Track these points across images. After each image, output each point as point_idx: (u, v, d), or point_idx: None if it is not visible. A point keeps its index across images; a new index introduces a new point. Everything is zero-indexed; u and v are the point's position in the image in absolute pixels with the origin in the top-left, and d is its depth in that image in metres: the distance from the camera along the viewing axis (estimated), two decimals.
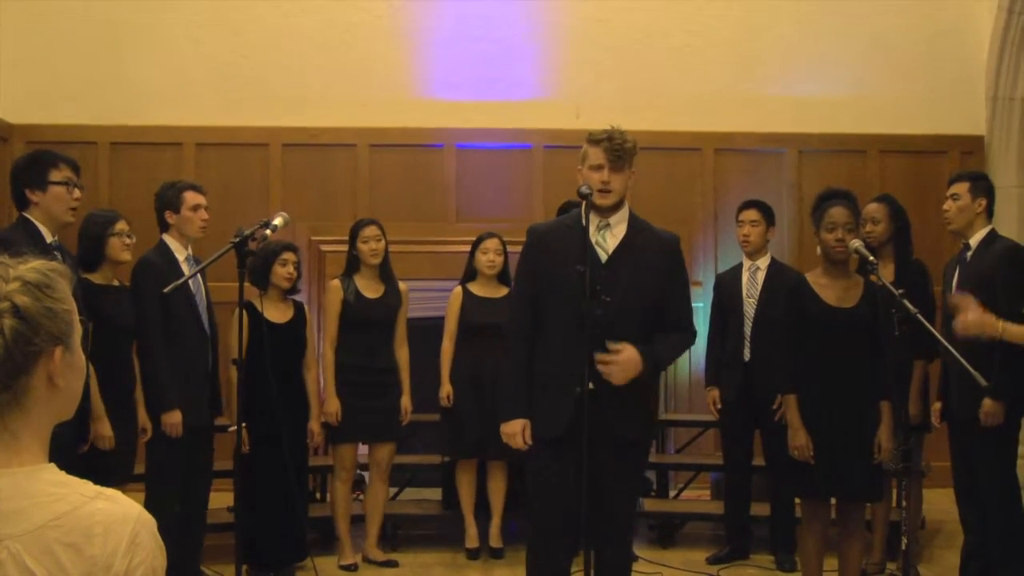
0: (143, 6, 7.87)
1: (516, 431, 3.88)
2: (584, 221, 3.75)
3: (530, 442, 3.88)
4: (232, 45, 7.92)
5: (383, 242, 5.72)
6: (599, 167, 3.82)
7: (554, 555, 3.94)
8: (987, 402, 4.53)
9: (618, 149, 3.80)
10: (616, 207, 3.88)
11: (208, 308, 5.12)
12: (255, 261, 5.18)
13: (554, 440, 3.81)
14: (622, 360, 3.72)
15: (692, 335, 4.05)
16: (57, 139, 7.13)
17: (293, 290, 5.60)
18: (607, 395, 3.74)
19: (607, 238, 3.86)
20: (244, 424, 4.39)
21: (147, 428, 4.92)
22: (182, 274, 4.82)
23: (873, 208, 5.38)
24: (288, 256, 5.49)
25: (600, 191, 3.79)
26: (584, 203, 3.82)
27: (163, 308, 4.81)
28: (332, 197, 7.97)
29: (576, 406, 3.68)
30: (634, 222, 3.95)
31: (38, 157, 4.40)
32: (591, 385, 3.66)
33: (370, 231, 5.71)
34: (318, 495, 6.75)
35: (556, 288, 3.85)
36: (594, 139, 3.86)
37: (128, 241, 4.83)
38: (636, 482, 4.27)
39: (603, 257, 3.83)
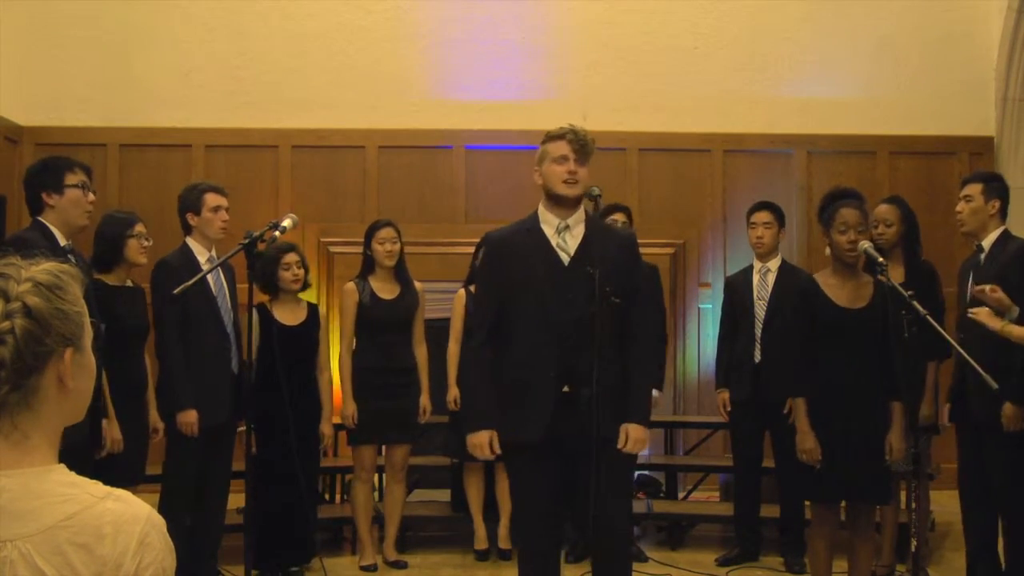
0: (152, 9, 7.89)
1: (483, 442, 3.84)
2: (599, 220, 3.75)
3: (499, 451, 3.87)
4: (241, 47, 7.95)
5: (398, 244, 5.72)
6: (564, 158, 3.82)
7: (543, 560, 3.93)
8: (1008, 407, 4.48)
9: (582, 141, 3.83)
10: (575, 206, 3.87)
11: (233, 309, 5.13)
12: (261, 270, 5.20)
13: (532, 445, 3.80)
14: (631, 447, 3.81)
15: (660, 340, 4.05)
16: (67, 141, 7.19)
17: (305, 286, 5.61)
18: (587, 396, 3.73)
19: (567, 240, 3.86)
20: (254, 425, 4.40)
21: (158, 428, 4.92)
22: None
23: (885, 210, 5.35)
24: (289, 259, 5.48)
25: (566, 182, 3.80)
26: (544, 206, 3.90)
27: (181, 308, 4.82)
28: (341, 199, 7.99)
29: (554, 409, 3.71)
30: (591, 222, 3.95)
31: (53, 162, 4.39)
32: (566, 388, 3.71)
33: (386, 232, 5.71)
34: (328, 496, 6.76)
35: (522, 294, 3.83)
36: (556, 134, 3.88)
37: (145, 243, 4.83)
38: (628, 479, 4.28)
39: (565, 260, 3.82)
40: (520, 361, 3.84)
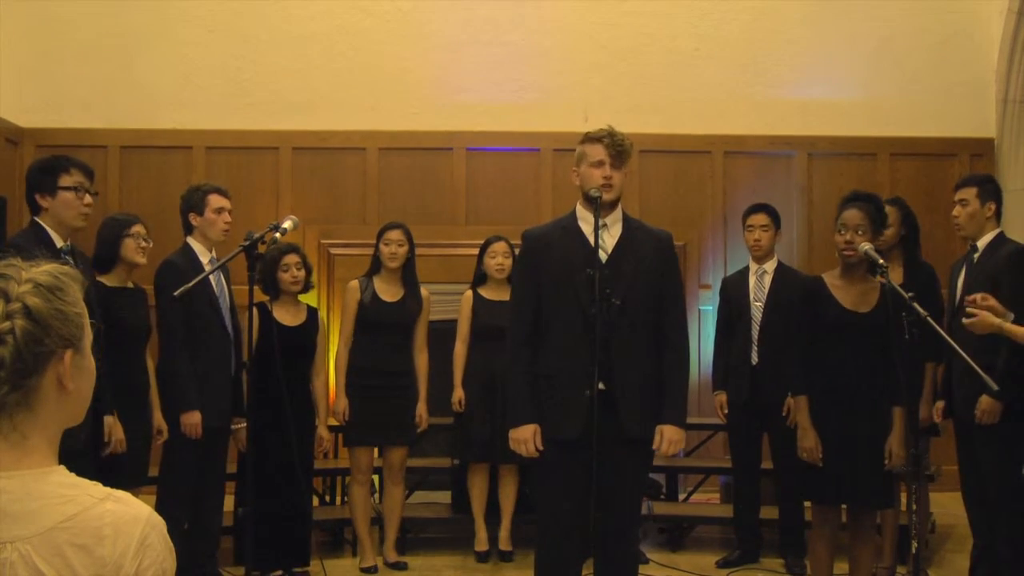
0: (153, 11, 7.89)
1: (527, 437, 3.87)
2: (595, 224, 3.77)
3: (541, 447, 3.88)
4: (242, 49, 7.95)
5: (405, 247, 5.72)
6: (600, 163, 3.86)
7: (565, 558, 3.93)
8: (984, 399, 4.54)
9: (619, 145, 3.87)
10: (612, 206, 3.91)
11: (232, 310, 5.13)
12: (263, 271, 5.20)
13: (567, 442, 3.82)
14: (666, 448, 3.90)
15: (686, 338, 4.07)
16: (68, 143, 7.18)
17: (307, 287, 5.60)
18: (618, 396, 3.77)
19: (604, 238, 3.88)
20: (247, 424, 4.40)
21: (163, 429, 4.91)
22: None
23: None
24: (288, 260, 5.47)
25: (602, 186, 3.83)
26: (582, 205, 3.93)
27: (184, 309, 4.82)
28: (341, 200, 7.98)
29: (589, 407, 3.69)
30: (628, 221, 4.00)
31: (49, 162, 4.38)
32: (601, 386, 3.70)
33: (393, 235, 5.71)
34: (328, 498, 6.75)
35: (559, 290, 3.87)
36: (594, 137, 3.91)
37: (144, 244, 4.81)
38: (643, 480, 4.30)
39: (603, 258, 3.84)
40: (556, 358, 3.87)
